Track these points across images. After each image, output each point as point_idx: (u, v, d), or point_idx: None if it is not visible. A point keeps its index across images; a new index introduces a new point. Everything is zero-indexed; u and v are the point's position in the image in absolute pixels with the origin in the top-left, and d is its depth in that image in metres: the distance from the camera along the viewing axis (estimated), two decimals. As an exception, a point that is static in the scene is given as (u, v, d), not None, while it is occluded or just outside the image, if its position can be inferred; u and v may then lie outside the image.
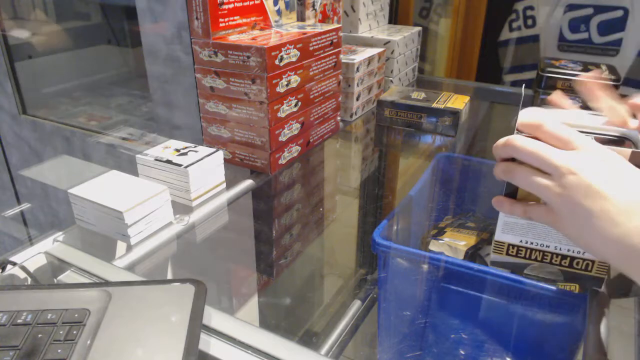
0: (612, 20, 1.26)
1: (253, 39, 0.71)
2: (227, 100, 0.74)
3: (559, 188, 0.37)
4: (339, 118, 0.92)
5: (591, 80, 0.45)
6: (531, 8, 1.37)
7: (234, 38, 0.72)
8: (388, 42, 1.07)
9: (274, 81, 0.70)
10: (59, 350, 0.36)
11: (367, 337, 0.66)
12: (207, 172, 0.67)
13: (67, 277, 0.52)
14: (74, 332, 0.38)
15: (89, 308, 0.40)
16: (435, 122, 0.91)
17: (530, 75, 1.41)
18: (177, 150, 0.69)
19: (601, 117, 0.44)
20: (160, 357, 0.36)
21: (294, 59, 0.73)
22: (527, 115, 0.41)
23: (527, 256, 0.48)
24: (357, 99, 0.98)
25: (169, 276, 0.63)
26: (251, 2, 0.76)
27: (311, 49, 0.77)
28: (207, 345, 0.42)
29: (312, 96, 0.81)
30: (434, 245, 0.65)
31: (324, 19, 0.96)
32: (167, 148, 0.70)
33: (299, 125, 0.79)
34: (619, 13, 1.24)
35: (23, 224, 1.82)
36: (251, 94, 0.71)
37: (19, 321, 0.38)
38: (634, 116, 0.43)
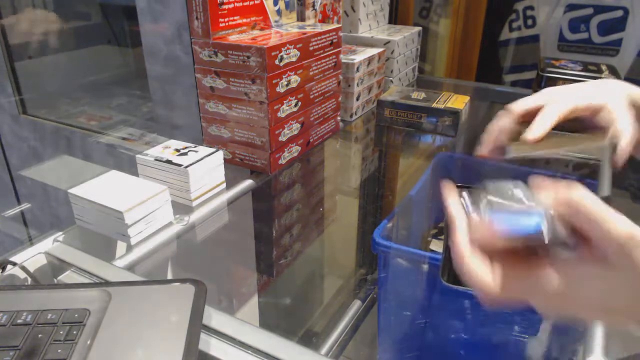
0: (612, 20, 1.26)
1: (253, 39, 0.71)
2: (227, 100, 0.74)
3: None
4: (339, 118, 0.92)
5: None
6: (531, 8, 1.37)
7: (234, 38, 0.72)
8: (388, 42, 1.07)
9: (274, 81, 0.70)
10: (59, 350, 0.36)
11: (367, 337, 0.66)
12: (207, 172, 0.67)
13: (67, 277, 0.52)
14: (74, 332, 0.38)
15: (89, 308, 0.40)
16: (435, 122, 0.91)
17: (530, 75, 1.41)
18: (177, 150, 0.69)
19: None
20: (160, 357, 0.36)
21: (294, 59, 0.73)
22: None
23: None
24: (357, 99, 0.98)
25: (169, 276, 0.63)
26: (251, 2, 0.76)
27: (311, 49, 0.77)
28: (207, 345, 0.42)
29: (312, 96, 0.81)
30: (434, 245, 0.65)
31: (324, 19, 0.96)
32: (167, 148, 0.70)
33: (299, 125, 0.79)
34: (619, 13, 1.24)
35: (23, 224, 1.82)
36: (251, 94, 0.71)
37: (19, 321, 0.38)
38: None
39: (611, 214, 0.29)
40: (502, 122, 0.48)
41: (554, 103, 0.46)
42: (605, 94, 0.47)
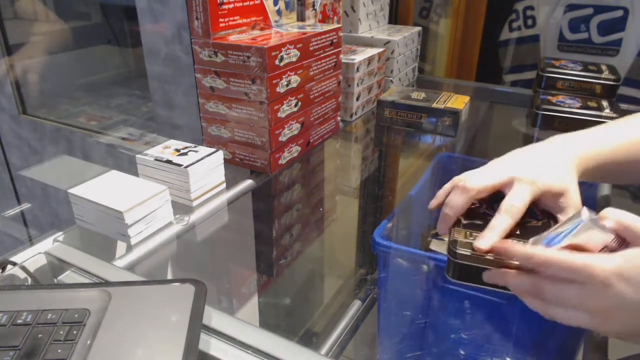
0: (612, 20, 1.26)
1: (253, 39, 0.71)
2: (227, 100, 0.74)
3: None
4: (339, 118, 0.92)
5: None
6: (531, 8, 1.37)
7: (234, 38, 0.72)
8: (388, 42, 1.07)
9: (274, 81, 0.70)
10: (59, 350, 0.36)
11: (367, 337, 0.66)
12: (207, 172, 0.67)
13: (67, 277, 0.52)
14: (74, 332, 0.38)
15: (89, 308, 0.40)
16: (435, 122, 0.91)
17: (530, 75, 1.41)
18: (177, 150, 0.69)
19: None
20: (160, 357, 0.36)
21: (294, 59, 0.73)
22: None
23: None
24: (357, 99, 0.98)
25: (169, 276, 0.63)
26: (251, 2, 0.76)
27: (311, 49, 0.77)
28: (207, 345, 0.42)
29: (312, 96, 0.81)
30: (434, 245, 0.65)
31: (324, 19, 0.96)
32: (167, 148, 0.70)
33: (299, 125, 0.79)
34: (619, 13, 1.24)
35: (23, 224, 1.82)
36: (251, 94, 0.71)
37: (19, 321, 0.38)
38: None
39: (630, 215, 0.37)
40: (458, 201, 0.45)
41: (518, 183, 0.44)
42: (563, 174, 0.44)
